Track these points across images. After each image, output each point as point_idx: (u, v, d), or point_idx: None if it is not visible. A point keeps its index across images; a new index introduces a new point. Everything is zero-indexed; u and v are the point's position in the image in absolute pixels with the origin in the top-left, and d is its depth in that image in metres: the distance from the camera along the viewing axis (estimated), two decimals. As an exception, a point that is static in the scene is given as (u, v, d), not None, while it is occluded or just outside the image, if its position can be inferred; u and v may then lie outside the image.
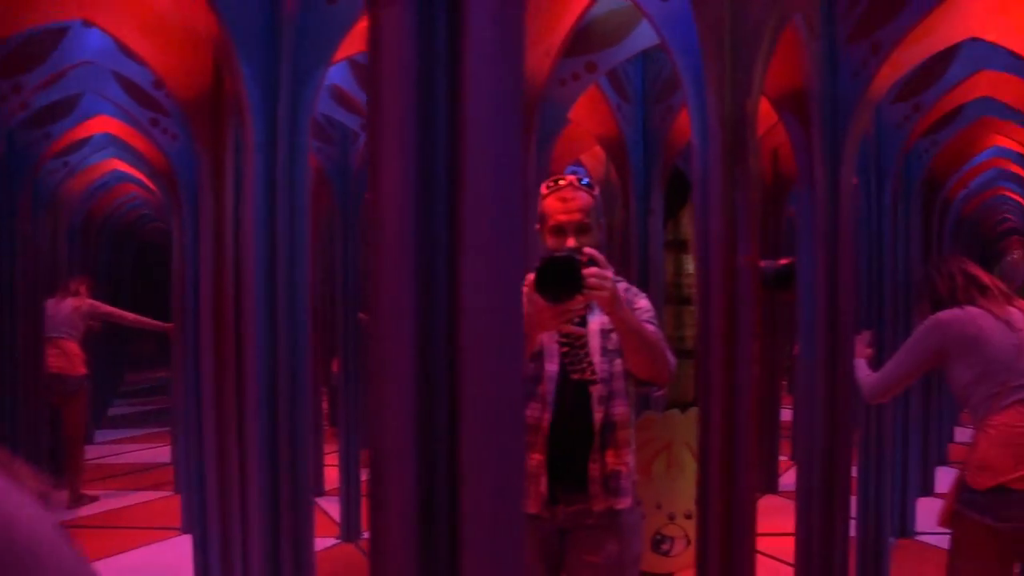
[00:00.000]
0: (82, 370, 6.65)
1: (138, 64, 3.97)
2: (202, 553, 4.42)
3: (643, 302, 2.33)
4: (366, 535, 4.64)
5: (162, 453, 8.11)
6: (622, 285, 2.36)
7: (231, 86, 2.63)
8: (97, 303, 7.05)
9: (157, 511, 6.51)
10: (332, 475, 6.36)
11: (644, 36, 3.98)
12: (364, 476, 5.95)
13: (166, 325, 7.04)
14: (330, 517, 6.04)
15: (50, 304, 6.57)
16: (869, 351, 3.45)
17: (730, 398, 2.35)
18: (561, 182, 2.32)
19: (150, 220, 11.90)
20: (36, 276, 6.32)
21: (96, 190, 8.39)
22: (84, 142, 6.17)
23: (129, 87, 4.50)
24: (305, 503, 2.45)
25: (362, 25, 2.70)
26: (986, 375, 2.93)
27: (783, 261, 2.85)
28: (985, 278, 3.11)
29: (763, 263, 4.31)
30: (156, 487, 7.14)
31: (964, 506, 2.81)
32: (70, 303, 6.74)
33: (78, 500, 6.64)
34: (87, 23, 3.82)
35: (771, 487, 6.95)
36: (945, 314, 3.10)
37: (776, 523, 4.68)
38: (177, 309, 6.17)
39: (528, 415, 2.34)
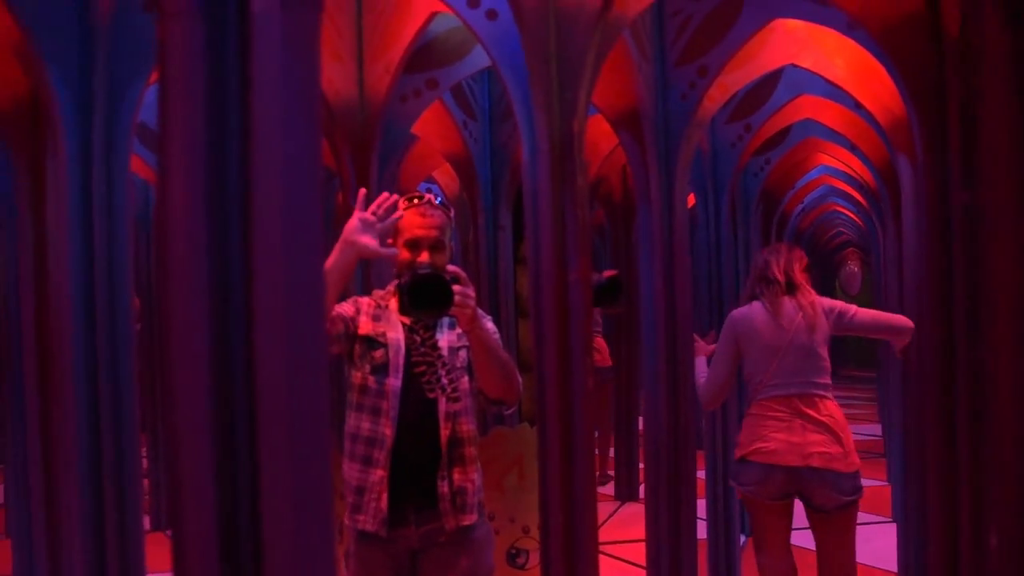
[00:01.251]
0: None
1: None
2: (27, 560, 4.13)
3: (490, 324, 2.37)
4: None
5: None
6: None
7: (42, 96, 2.49)
8: None
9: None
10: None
11: (484, 55, 4.05)
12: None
13: None
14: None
15: None
16: (711, 347, 3.63)
17: (567, 410, 2.41)
18: (417, 200, 2.36)
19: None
20: None
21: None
22: None
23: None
24: (132, 505, 2.33)
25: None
26: (754, 370, 3.36)
27: (607, 274, 2.95)
28: (775, 270, 3.35)
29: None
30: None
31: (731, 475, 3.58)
32: None
33: None
34: None
35: (632, 495, 7.14)
36: (736, 311, 3.49)
37: (635, 531, 4.79)
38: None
39: (369, 430, 2.33)
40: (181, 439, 0.98)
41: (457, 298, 2.13)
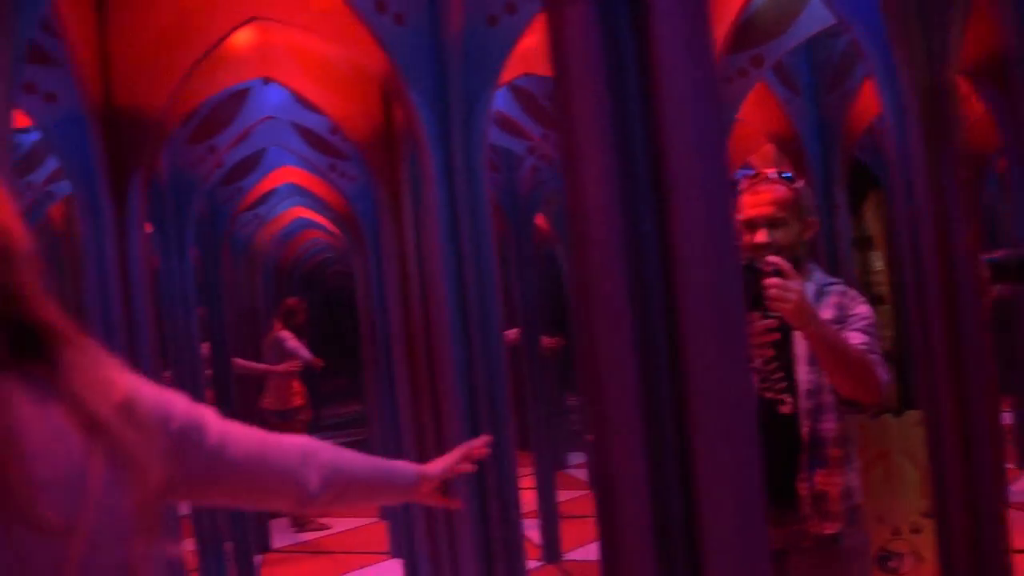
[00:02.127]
0: (297, 402, 7.01)
1: (314, 113, 4.19)
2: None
3: (861, 308, 2.15)
4: (567, 556, 4.57)
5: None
6: (837, 288, 2.21)
7: (404, 119, 2.70)
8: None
9: (364, 537, 6.76)
10: (526, 497, 6.39)
11: (810, 21, 3.78)
12: (560, 497, 5.95)
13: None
14: (529, 540, 6.06)
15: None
16: None
17: (960, 403, 2.13)
18: (757, 176, 2.23)
19: (332, 263, 12.55)
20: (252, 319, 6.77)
21: (283, 237, 8.94)
22: (271, 193, 6.58)
23: (308, 136, 4.75)
24: (515, 525, 2.43)
25: (521, 47, 2.71)
26: None
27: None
28: None
29: (999, 253, 3.92)
30: (360, 514, 7.43)
31: None
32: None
33: (303, 523, 7.02)
34: (267, 81, 4.07)
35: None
36: None
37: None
38: (367, 343, 6.42)
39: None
40: (609, 428, 0.96)
41: (772, 291, 1.94)
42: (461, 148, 2.27)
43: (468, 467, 1.55)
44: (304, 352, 6.99)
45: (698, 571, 0.97)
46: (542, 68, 3.54)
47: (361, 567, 6.01)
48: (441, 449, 3.66)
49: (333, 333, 13.28)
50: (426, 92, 2.28)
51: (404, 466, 1.43)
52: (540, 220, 6.91)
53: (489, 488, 2.44)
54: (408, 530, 4.64)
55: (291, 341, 6.91)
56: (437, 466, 1.50)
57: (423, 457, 3.63)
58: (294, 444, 1.24)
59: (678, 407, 0.97)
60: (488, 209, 2.37)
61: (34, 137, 4.57)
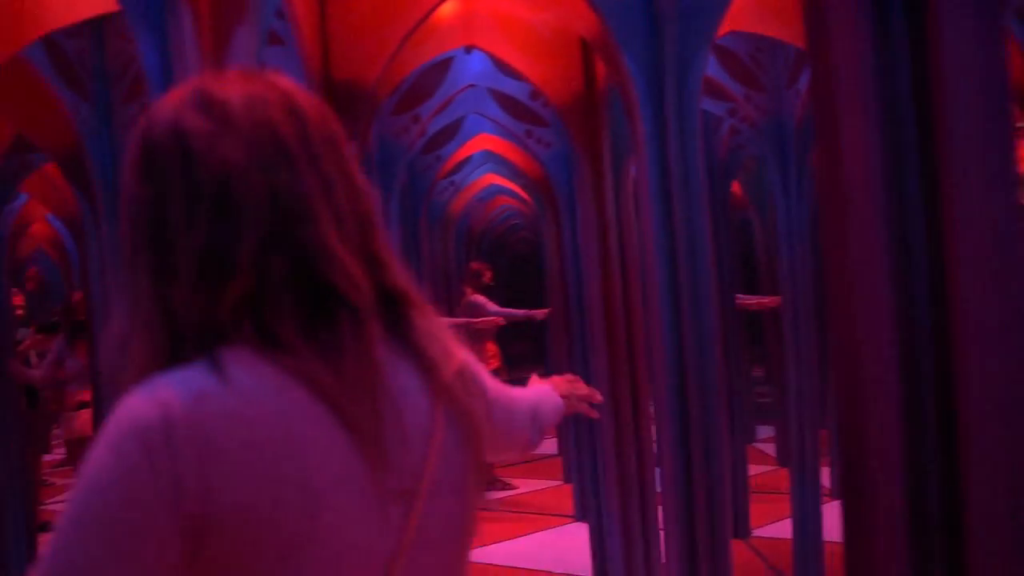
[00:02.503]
0: (494, 364, 7.19)
1: (515, 80, 4.23)
2: (599, 541, 4.57)
3: None
4: (756, 533, 4.45)
5: (547, 445, 8.58)
6: None
7: (612, 83, 2.65)
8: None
9: (549, 499, 6.88)
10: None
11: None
12: (751, 472, 5.78)
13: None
14: (716, 513, 5.95)
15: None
16: None
17: None
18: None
19: (519, 229, 12.75)
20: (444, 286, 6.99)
21: (475, 204, 9.17)
22: (466, 161, 6.75)
23: (506, 103, 4.81)
24: (721, 501, 2.38)
25: (739, 2, 2.59)
26: None
27: None
28: None
29: None
30: (546, 476, 7.55)
31: None
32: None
33: (492, 482, 7.24)
34: (469, 49, 4.15)
35: None
36: None
37: None
38: (556, 311, 6.47)
39: None
40: (862, 408, 0.90)
41: None
42: (674, 112, 2.21)
43: (585, 410, 1.50)
44: (511, 310, 7.08)
45: (959, 563, 0.91)
46: (749, 25, 3.39)
47: (545, 528, 6.11)
48: (637, 425, 3.66)
49: (516, 298, 13.54)
50: (639, 55, 2.23)
51: (552, 395, 1.38)
52: (735, 186, 6.68)
53: (695, 461, 2.40)
54: (596, 494, 4.67)
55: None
56: (561, 389, 1.44)
57: (620, 431, 3.63)
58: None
59: (941, 384, 0.90)
60: (701, 176, 2.30)
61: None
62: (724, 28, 3.40)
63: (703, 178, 2.31)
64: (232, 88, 0.79)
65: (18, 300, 6.06)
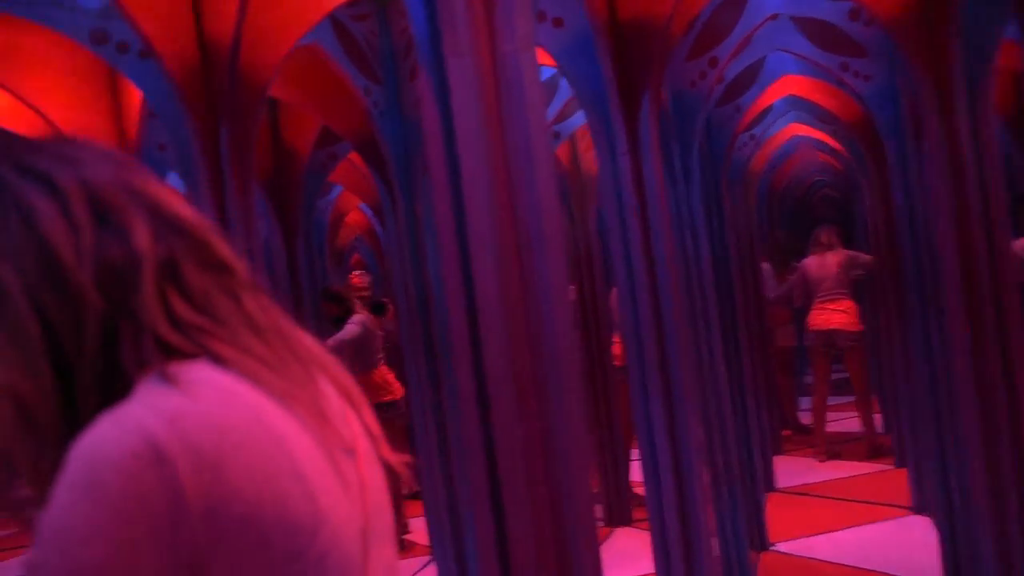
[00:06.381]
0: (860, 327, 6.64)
1: (827, 0, 3.61)
2: (950, 540, 3.88)
3: None
4: None
5: (852, 423, 7.70)
6: None
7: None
8: (854, 252, 6.86)
9: (881, 485, 6.11)
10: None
11: None
12: None
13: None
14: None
15: (813, 265, 6.69)
16: None
17: None
18: None
19: (820, 186, 11.65)
20: (750, 251, 6.55)
21: (777, 160, 8.42)
22: (766, 112, 6.11)
23: (816, 32, 4.18)
24: None
25: None
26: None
27: None
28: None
29: None
30: (872, 459, 6.77)
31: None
32: (831, 258, 6.71)
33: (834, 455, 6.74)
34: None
35: None
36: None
37: None
38: (885, 272, 5.71)
39: None
40: None
41: None
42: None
43: None
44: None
45: None
46: None
47: (875, 520, 5.38)
48: (1013, 400, 2.96)
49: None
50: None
51: None
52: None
53: None
54: (944, 482, 3.93)
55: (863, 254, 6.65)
56: None
57: (987, 409, 2.96)
58: None
59: None
60: None
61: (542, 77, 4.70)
62: None
63: None
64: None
65: (359, 281, 6.46)
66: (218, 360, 0.74)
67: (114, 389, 0.71)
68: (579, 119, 5.22)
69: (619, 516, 5.92)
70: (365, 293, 6.14)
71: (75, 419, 0.71)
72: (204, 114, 2.46)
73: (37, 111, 3.64)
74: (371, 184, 5.25)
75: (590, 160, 5.75)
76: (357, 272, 6.43)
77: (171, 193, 0.81)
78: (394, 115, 3.74)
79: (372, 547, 0.78)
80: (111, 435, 0.66)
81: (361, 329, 5.75)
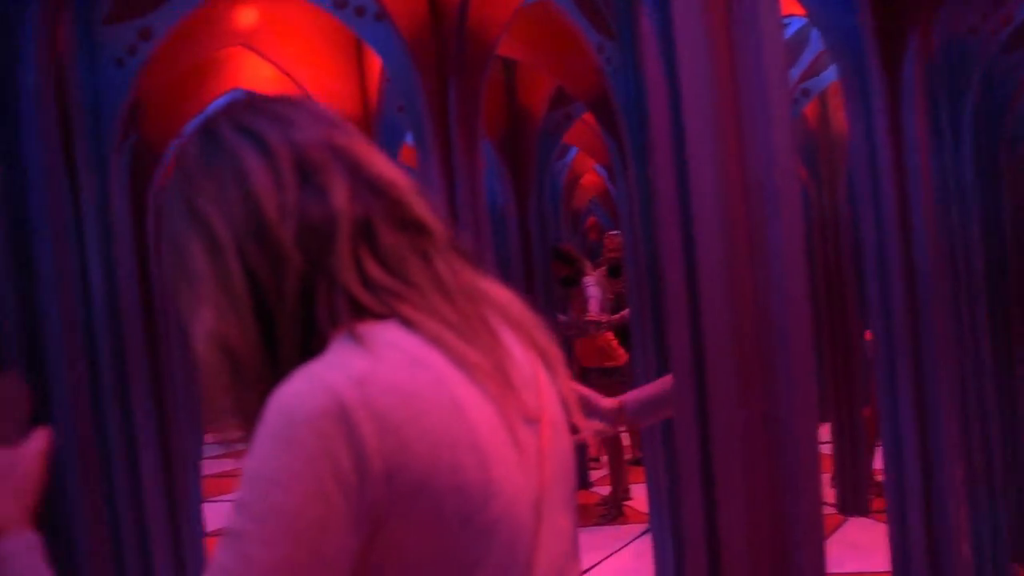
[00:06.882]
0: None
1: None
2: None
3: None
4: None
5: None
6: None
7: None
8: None
9: None
10: None
11: None
12: None
13: None
14: None
15: None
16: None
17: None
18: None
19: None
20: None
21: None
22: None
23: None
24: None
25: None
26: None
27: None
28: None
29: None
30: None
31: None
32: None
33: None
34: None
35: None
36: None
37: None
38: None
39: None
40: None
41: None
42: None
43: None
44: None
45: None
46: None
47: None
48: None
49: None
50: None
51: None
52: None
53: None
54: None
55: None
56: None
57: None
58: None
59: None
60: None
61: (791, 28, 4.35)
62: None
63: None
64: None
65: (613, 242, 6.43)
66: (406, 323, 0.76)
67: (310, 341, 0.76)
68: (831, 75, 4.79)
69: (854, 504, 5.49)
70: (616, 254, 6.06)
71: (274, 366, 0.76)
72: (433, 72, 2.48)
73: (292, 79, 3.89)
74: (605, 145, 5.16)
75: (842, 120, 5.28)
76: (613, 232, 6.35)
77: (374, 153, 0.83)
78: (628, 72, 3.60)
79: (546, 517, 0.79)
80: (305, 393, 0.70)
81: (601, 291, 5.72)
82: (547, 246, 5.67)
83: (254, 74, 4.10)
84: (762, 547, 1.70)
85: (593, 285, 5.69)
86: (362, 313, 0.76)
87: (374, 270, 0.77)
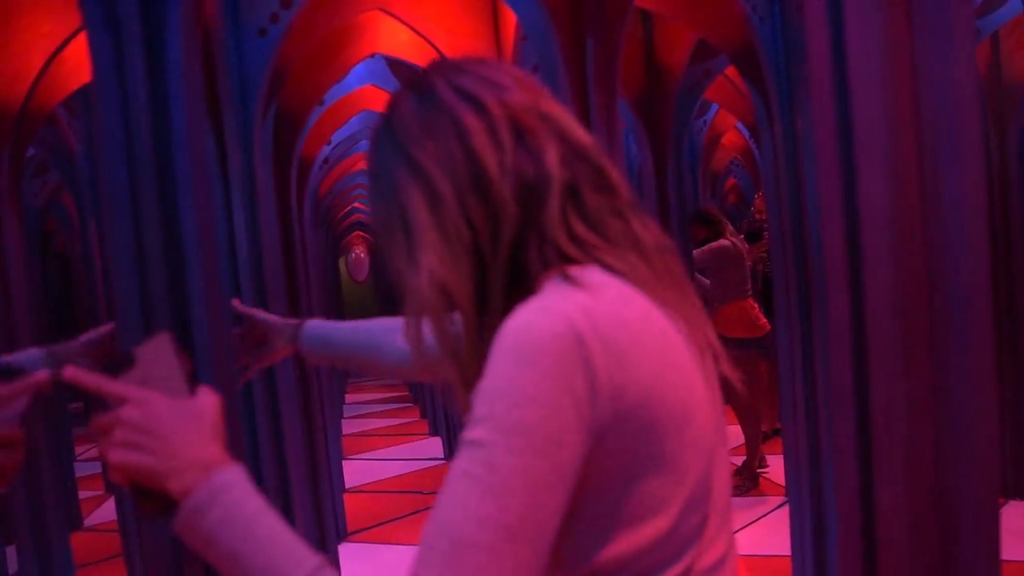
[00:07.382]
0: None
1: None
2: None
3: None
4: None
5: None
6: None
7: None
8: None
9: None
10: None
11: None
12: None
13: None
14: None
15: None
16: None
17: None
18: None
19: None
20: None
21: None
22: None
23: None
24: None
25: None
26: None
27: None
28: None
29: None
30: None
31: None
32: None
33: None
34: None
35: None
36: None
37: None
38: None
39: None
40: None
41: None
42: None
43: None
44: None
45: None
46: None
47: None
48: None
49: None
50: None
51: None
52: None
53: None
54: None
55: None
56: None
57: None
58: None
59: None
60: None
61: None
62: None
63: None
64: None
65: (761, 204, 6.22)
66: (607, 268, 0.84)
67: (517, 287, 0.84)
68: (1007, 12, 4.35)
69: (1017, 487, 5.09)
70: (763, 216, 5.82)
71: (484, 308, 0.85)
72: (570, 28, 2.39)
73: (428, 40, 3.87)
74: (748, 102, 4.90)
75: (1018, 64, 4.81)
76: (762, 194, 6.13)
77: (573, 119, 0.90)
78: (776, 21, 3.38)
79: (719, 443, 0.86)
80: (540, 318, 0.77)
81: (729, 246, 5.49)
82: (684, 208, 5.49)
83: (391, 38, 4.12)
84: (926, 532, 1.56)
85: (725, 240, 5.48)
86: (568, 262, 0.84)
87: (579, 227, 0.85)
